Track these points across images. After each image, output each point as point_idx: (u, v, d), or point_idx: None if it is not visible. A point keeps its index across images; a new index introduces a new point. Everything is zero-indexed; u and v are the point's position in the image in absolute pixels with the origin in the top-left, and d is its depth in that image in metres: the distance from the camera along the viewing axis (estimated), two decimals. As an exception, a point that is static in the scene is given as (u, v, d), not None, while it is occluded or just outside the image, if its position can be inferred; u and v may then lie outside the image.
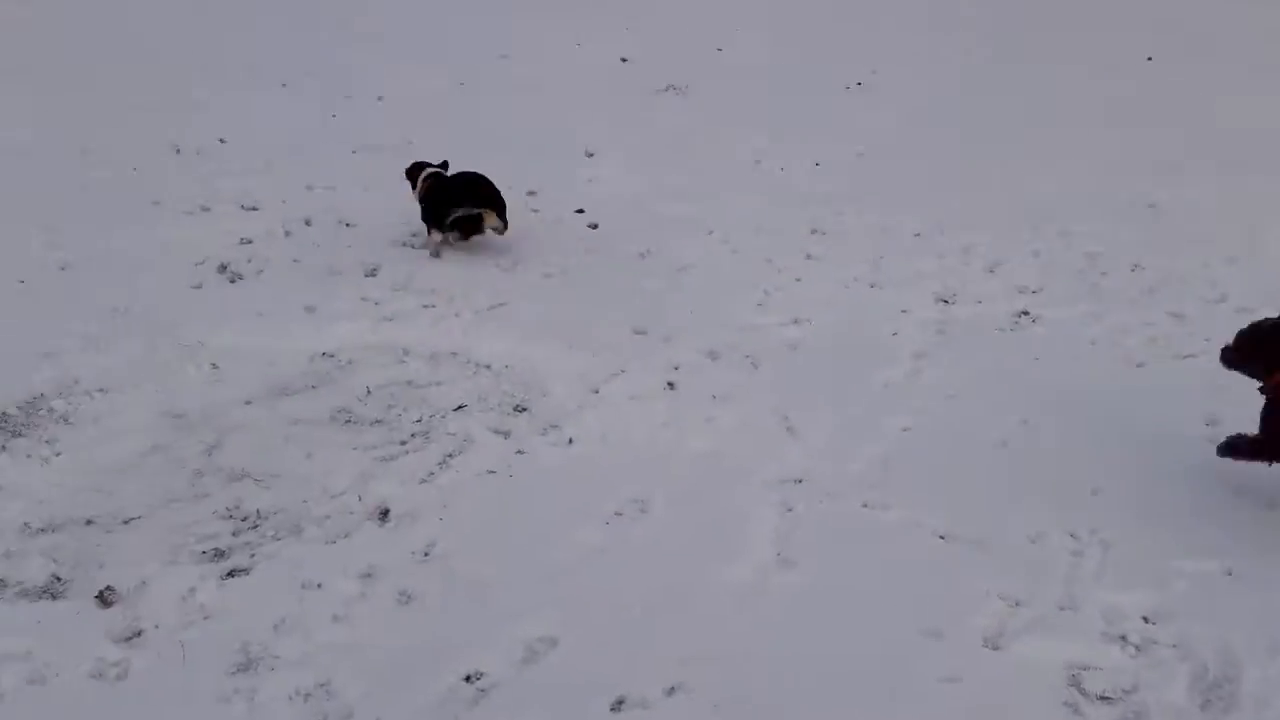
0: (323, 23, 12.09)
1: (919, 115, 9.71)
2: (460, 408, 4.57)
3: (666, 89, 10.48)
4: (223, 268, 5.79)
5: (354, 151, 7.89)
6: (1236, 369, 3.84)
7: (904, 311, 5.63)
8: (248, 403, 4.55)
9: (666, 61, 11.40)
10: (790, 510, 3.87)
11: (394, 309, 5.45)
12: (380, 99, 9.37)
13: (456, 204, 6.01)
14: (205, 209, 6.57)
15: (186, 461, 4.10)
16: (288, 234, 6.31)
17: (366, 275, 5.82)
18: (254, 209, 6.65)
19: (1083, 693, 3.06)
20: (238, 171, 7.25)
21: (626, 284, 5.90)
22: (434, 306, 5.50)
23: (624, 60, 11.74)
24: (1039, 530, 3.77)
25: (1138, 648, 3.22)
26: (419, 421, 4.47)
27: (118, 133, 7.77)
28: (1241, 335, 3.81)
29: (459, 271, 5.94)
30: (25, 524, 3.69)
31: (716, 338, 5.27)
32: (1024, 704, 3.02)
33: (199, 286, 5.58)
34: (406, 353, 5.07)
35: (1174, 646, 3.22)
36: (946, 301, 5.78)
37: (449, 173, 6.23)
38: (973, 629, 3.27)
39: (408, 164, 6.44)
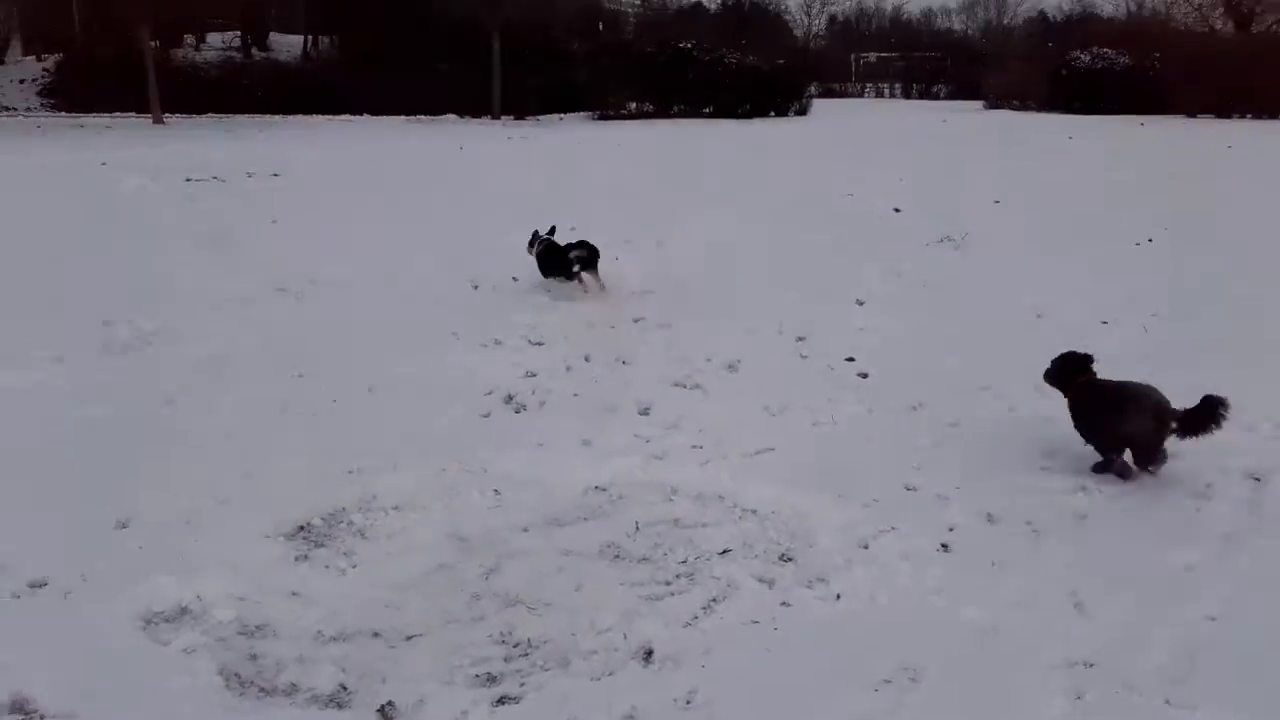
0: (619, 168, 12.92)
1: (1214, 274, 9.07)
2: (725, 552, 4.55)
3: (941, 240, 10.37)
4: (509, 398, 6.16)
5: (633, 292, 8.28)
6: (1052, 385, 5.49)
7: (1208, 485, 5.15)
8: (525, 530, 4.74)
9: (941, 212, 11.33)
10: (1080, 698, 3.53)
11: (664, 447, 5.57)
12: (659, 244, 9.83)
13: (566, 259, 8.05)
14: (498, 342, 7.06)
15: (466, 584, 4.29)
16: (569, 369, 6.65)
17: (640, 413, 6.01)
18: (539, 344, 7.08)
19: None
20: (527, 308, 7.77)
21: (897, 437, 5.75)
22: (702, 448, 5.57)
23: (898, 210, 11.77)
24: (1381, 752, 3.26)
25: None
26: (684, 563, 4.49)
27: (424, 270, 8.56)
28: (1053, 362, 5.48)
29: (728, 413, 6.01)
30: (319, 631, 3.95)
31: (994, 500, 5.00)
32: None
33: (487, 415, 5.96)
34: (674, 492, 5.13)
35: None
36: (1258, 479, 5.23)
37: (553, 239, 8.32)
38: None
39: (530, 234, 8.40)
